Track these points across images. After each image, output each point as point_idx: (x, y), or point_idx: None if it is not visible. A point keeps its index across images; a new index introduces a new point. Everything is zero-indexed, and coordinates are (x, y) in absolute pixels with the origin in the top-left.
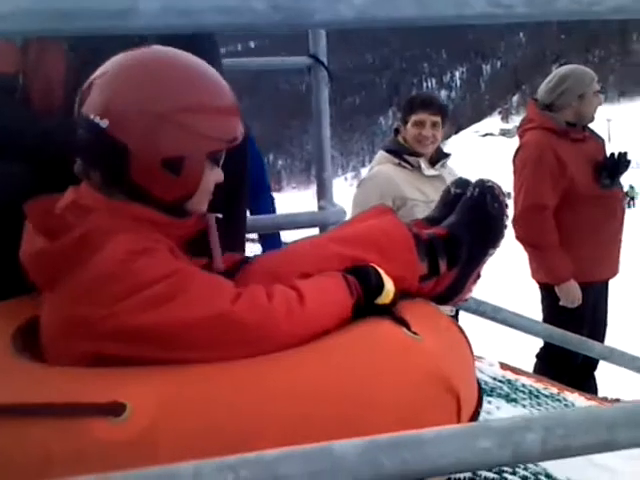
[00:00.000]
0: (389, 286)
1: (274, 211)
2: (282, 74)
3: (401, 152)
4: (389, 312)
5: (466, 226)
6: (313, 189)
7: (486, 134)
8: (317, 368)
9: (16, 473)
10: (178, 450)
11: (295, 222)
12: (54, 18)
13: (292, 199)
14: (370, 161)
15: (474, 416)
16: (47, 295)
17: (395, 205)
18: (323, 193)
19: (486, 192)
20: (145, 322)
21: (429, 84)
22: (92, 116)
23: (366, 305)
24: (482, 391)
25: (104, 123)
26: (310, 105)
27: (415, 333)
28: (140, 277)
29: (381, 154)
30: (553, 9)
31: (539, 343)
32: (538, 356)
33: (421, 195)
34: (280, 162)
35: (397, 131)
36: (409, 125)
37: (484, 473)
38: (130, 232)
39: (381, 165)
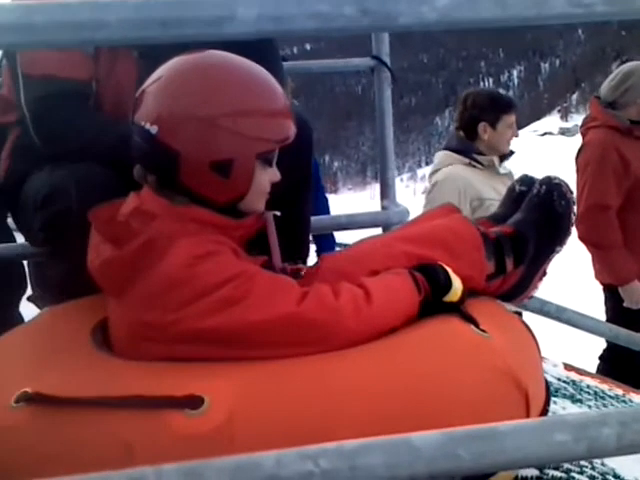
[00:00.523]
0: (457, 284)
1: (328, 212)
2: (338, 76)
3: (469, 151)
4: (457, 310)
5: (533, 224)
6: (369, 190)
7: (545, 133)
8: (387, 365)
9: (97, 464)
10: (253, 444)
11: (358, 222)
12: (153, 26)
13: (348, 200)
14: (427, 162)
15: (542, 414)
16: (114, 300)
17: (472, 206)
18: (386, 193)
19: (553, 189)
20: (213, 325)
21: (486, 83)
22: (143, 123)
23: (434, 303)
24: (549, 389)
25: (154, 129)
26: (365, 106)
27: (484, 331)
28: (205, 281)
29: (447, 154)
30: (633, 7)
31: (600, 344)
32: (601, 357)
33: (496, 194)
34: (336, 163)
35: (459, 130)
36: (502, 127)
37: (551, 472)
38: (193, 236)
39: (452, 166)
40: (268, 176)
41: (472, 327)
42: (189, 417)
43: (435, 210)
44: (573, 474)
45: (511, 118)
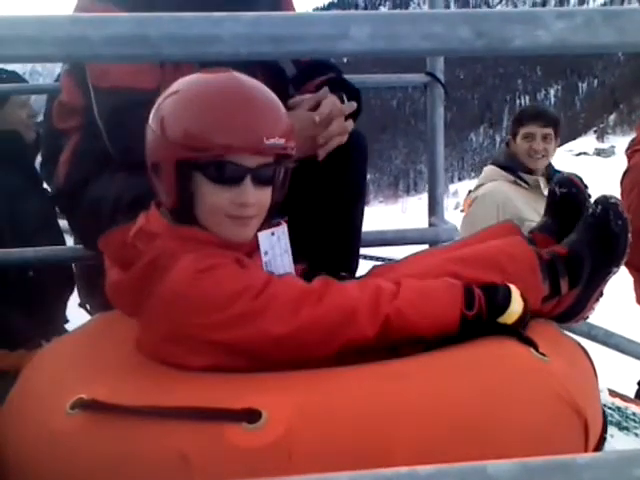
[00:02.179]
0: (516, 307)
1: None
2: (373, 89)
3: (516, 169)
4: (517, 332)
5: (588, 244)
6: (400, 204)
7: (580, 153)
8: (445, 385)
9: (153, 473)
10: (311, 461)
11: (405, 238)
12: (265, 42)
13: (379, 213)
14: (459, 178)
15: (600, 441)
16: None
17: None
18: (434, 210)
19: (609, 209)
20: (231, 339)
21: (522, 101)
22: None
23: (492, 323)
24: (605, 415)
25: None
26: (399, 121)
27: (543, 354)
28: (212, 296)
29: (493, 169)
30: None
31: (638, 370)
32: None
33: (537, 216)
34: (368, 176)
35: (508, 145)
36: (519, 138)
37: None
38: (194, 252)
39: (495, 182)
40: (224, 194)
41: (531, 350)
42: (247, 431)
43: (493, 228)
44: None
45: (528, 129)
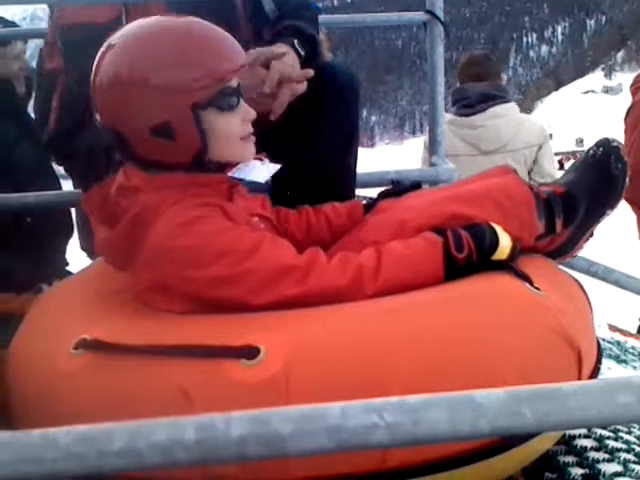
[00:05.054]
0: (505, 242)
1: None
2: (378, 29)
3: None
4: (509, 267)
5: (586, 185)
6: (406, 145)
7: (587, 91)
8: (441, 318)
9: (156, 410)
10: (307, 395)
11: (406, 178)
12: None
13: (385, 154)
14: None
15: (594, 372)
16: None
17: None
18: (435, 149)
19: (610, 152)
20: (210, 298)
21: (529, 39)
22: (96, 115)
23: (483, 262)
24: (601, 348)
25: (99, 118)
26: (405, 61)
27: (537, 288)
28: (192, 252)
29: (515, 106)
30: None
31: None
32: None
33: None
34: (374, 118)
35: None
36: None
37: (599, 431)
38: (176, 203)
39: (528, 116)
40: (234, 118)
41: (526, 284)
42: (245, 367)
43: (491, 171)
44: (621, 434)
45: None
